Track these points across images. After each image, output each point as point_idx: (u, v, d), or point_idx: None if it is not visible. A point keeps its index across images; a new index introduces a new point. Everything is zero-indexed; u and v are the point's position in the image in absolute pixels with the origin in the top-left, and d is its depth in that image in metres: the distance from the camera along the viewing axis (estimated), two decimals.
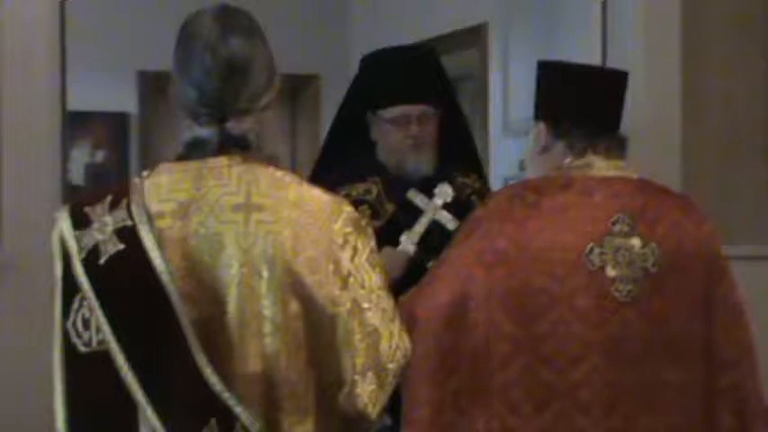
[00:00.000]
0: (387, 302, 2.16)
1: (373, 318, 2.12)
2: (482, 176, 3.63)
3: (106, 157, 7.68)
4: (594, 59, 4.32)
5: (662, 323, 2.61)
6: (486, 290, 2.60)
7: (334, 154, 3.59)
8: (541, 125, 2.78)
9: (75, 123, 7.50)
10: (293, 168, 8.00)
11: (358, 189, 3.43)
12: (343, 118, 3.59)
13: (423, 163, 3.42)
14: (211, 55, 2.12)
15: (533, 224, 2.62)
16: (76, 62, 6.81)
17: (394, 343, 2.15)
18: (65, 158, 4.08)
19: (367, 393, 2.10)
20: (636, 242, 2.62)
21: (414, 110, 3.38)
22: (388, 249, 3.23)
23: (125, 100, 7.67)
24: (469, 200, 3.42)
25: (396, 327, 2.16)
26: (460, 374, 2.63)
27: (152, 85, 7.47)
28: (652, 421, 2.60)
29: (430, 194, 3.40)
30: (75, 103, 7.08)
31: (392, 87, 3.40)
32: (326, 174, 3.46)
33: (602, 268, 2.59)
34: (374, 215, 3.42)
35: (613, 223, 2.62)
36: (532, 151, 2.82)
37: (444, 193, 3.40)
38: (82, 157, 7.64)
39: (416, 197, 3.40)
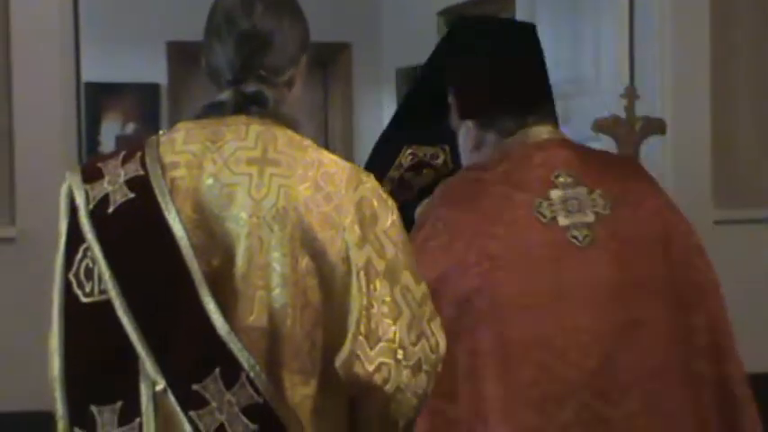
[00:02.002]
0: (410, 282, 2.08)
1: (391, 292, 2.04)
2: None
3: (137, 129, 7.67)
4: (623, 27, 4.26)
5: (624, 263, 2.58)
6: (449, 267, 2.55)
7: (407, 114, 3.53)
8: (468, 123, 2.76)
9: (106, 95, 7.54)
10: (326, 138, 7.98)
11: (426, 151, 3.37)
12: (424, 78, 3.52)
13: None
14: (231, 25, 2.12)
15: (479, 195, 2.61)
16: (106, 34, 6.89)
17: (417, 326, 2.06)
18: (81, 131, 4.01)
19: (374, 363, 2.01)
20: (582, 190, 2.60)
21: None
22: None
23: (155, 71, 7.65)
24: None
25: (425, 313, 2.09)
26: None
27: (182, 56, 7.44)
28: (630, 360, 2.54)
29: None
30: (105, 75, 7.18)
31: None
32: (395, 136, 3.41)
33: (554, 219, 2.57)
34: (438, 181, 3.38)
35: (556, 177, 2.61)
36: (466, 151, 2.81)
37: None
38: (113, 129, 7.64)
39: None
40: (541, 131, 2.67)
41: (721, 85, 4.30)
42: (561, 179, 2.60)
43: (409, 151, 3.31)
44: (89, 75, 4.92)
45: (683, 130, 4.23)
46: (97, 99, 7.43)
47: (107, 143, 7.55)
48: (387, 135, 3.32)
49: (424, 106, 3.46)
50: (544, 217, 2.57)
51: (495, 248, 2.54)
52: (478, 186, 2.63)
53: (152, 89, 7.71)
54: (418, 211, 2.82)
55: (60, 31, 3.86)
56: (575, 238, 2.56)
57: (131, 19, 7.42)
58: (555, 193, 2.59)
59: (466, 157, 2.79)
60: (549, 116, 2.72)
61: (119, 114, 7.67)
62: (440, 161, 3.39)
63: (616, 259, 2.57)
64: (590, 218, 2.58)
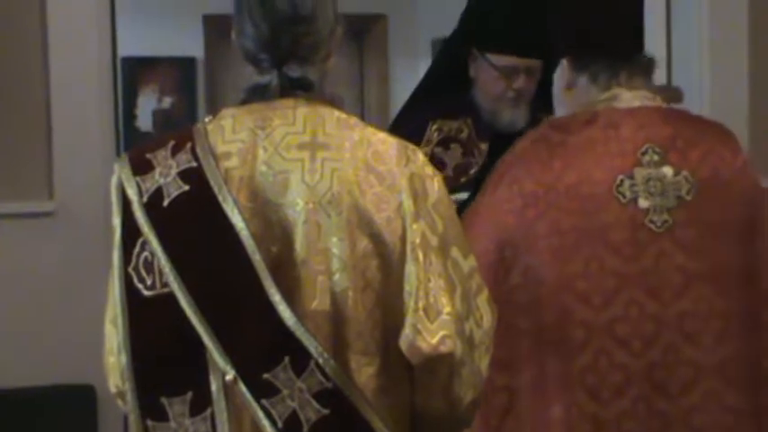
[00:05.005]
0: (459, 257, 2.10)
1: (444, 266, 2.06)
2: None
3: (174, 103, 7.69)
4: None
5: (700, 252, 2.53)
6: (518, 235, 2.54)
7: (430, 87, 3.52)
8: (563, 62, 2.70)
9: (142, 69, 7.56)
10: (362, 109, 7.97)
11: (450, 126, 3.38)
12: (449, 51, 3.51)
13: (518, 117, 3.36)
14: (265, 6, 2.10)
15: (559, 164, 2.55)
16: (143, 8, 6.90)
17: (466, 300, 2.08)
18: (117, 105, 4.03)
19: (436, 336, 2.02)
20: (667, 171, 2.54)
21: (525, 62, 3.31)
22: None
23: (192, 44, 7.66)
24: None
25: (471, 287, 2.11)
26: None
27: (218, 29, 7.44)
28: (695, 352, 2.52)
29: None
30: (142, 49, 7.20)
31: (510, 35, 3.31)
32: (419, 107, 3.41)
33: (634, 200, 2.52)
34: (466, 154, 3.37)
35: (642, 154, 2.54)
36: (558, 90, 2.74)
37: None
38: (149, 103, 7.66)
39: None
40: (633, 96, 2.61)
41: (760, 53, 4.26)
42: (647, 157, 2.54)
43: (435, 126, 3.32)
44: (125, 49, 4.93)
45: (720, 101, 4.21)
46: (133, 73, 7.46)
47: (143, 117, 7.58)
48: (410, 106, 3.32)
49: (446, 77, 3.46)
50: (624, 197, 2.52)
51: (567, 224, 2.51)
52: (561, 153, 2.56)
53: (188, 63, 7.72)
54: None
55: (96, 5, 3.87)
56: (652, 222, 2.52)
57: None
58: (639, 172, 2.53)
59: (557, 96, 2.72)
60: (644, 76, 2.66)
61: (155, 88, 7.69)
62: (464, 135, 3.40)
63: (692, 248, 2.52)
64: (671, 202, 2.53)
